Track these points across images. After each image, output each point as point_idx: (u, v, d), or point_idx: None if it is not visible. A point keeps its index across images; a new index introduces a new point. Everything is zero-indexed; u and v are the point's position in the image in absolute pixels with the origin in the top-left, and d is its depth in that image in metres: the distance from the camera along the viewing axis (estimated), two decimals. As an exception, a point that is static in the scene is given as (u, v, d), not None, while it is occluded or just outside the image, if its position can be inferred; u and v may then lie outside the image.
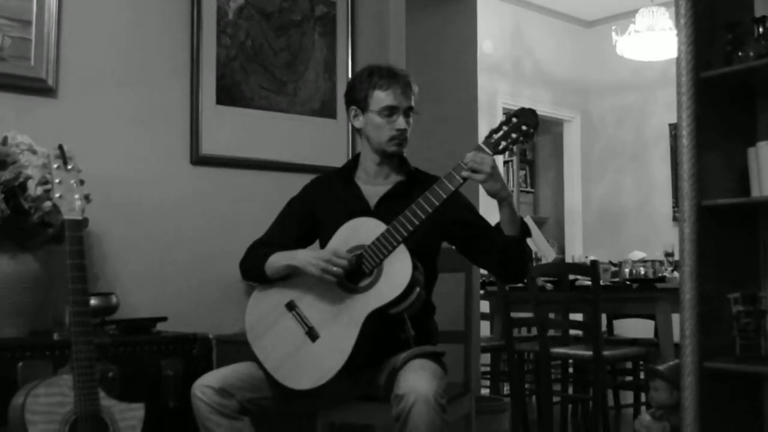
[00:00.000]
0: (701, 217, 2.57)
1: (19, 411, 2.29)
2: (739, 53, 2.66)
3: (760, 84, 2.74)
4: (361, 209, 2.73)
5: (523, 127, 2.56)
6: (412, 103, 2.77)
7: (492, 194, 2.55)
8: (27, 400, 2.29)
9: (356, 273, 2.58)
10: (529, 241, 6.37)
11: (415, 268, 2.52)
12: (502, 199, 2.57)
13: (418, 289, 2.54)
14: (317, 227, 2.84)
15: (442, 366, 2.67)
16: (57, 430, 2.30)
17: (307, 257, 2.60)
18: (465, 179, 2.51)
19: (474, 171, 2.50)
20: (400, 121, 2.73)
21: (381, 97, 2.72)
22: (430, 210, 2.52)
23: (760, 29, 2.67)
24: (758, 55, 2.61)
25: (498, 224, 2.65)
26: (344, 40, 4.16)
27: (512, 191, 9.39)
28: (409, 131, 2.77)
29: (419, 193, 2.56)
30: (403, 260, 2.53)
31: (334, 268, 2.53)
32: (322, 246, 2.74)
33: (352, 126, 2.90)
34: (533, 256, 6.09)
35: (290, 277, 2.66)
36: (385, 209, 2.68)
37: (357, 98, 2.78)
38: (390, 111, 2.72)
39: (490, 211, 2.75)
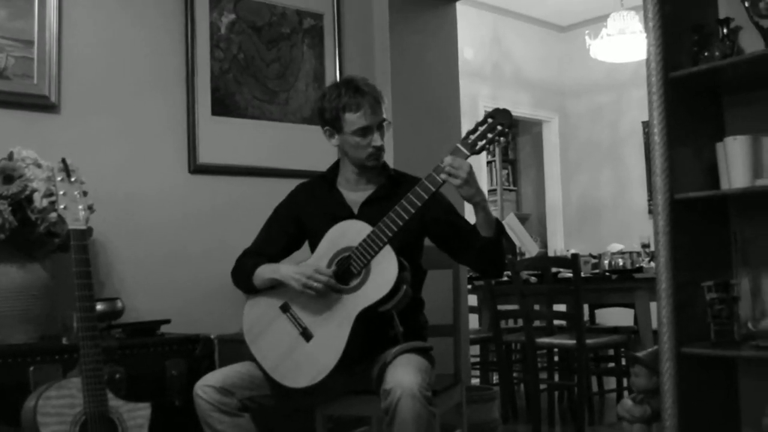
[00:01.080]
0: (674, 209, 2.58)
1: (32, 413, 2.28)
2: (706, 53, 2.67)
3: (725, 82, 2.74)
4: (346, 214, 2.73)
5: (499, 127, 2.55)
6: (384, 116, 2.73)
7: (466, 199, 2.54)
8: (39, 402, 2.29)
9: (345, 274, 2.58)
10: (513, 236, 6.41)
11: (401, 266, 2.52)
12: (476, 204, 2.56)
13: (404, 286, 2.54)
14: (304, 231, 2.84)
15: (429, 360, 2.67)
16: (68, 431, 2.29)
17: (289, 272, 2.60)
18: (444, 181, 2.51)
19: (451, 175, 2.49)
20: (376, 138, 2.70)
21: (353, 120, 2.68)
22: (412, 210, 2.52)
23: (725, 30, 2.67)
24: (723, 55, 2.62)
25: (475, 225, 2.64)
26: (332, 50, 4.16)
27: (495, 190, 9.42)
28: (384, 142, 2.74)
29: (401, 194, 2.56)
30: (389, 260, 2.53)
31: (315, 284, 2.54)
32: (312, 248, 2.74)
33: None
34: (517, 250, 6.10)
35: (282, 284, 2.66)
36: (368, 213, 2.68)
37: (328, 119, 2.74)
38: (364, 131, 2.69)
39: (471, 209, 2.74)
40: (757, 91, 2.74)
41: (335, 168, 2.89)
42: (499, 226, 2.64)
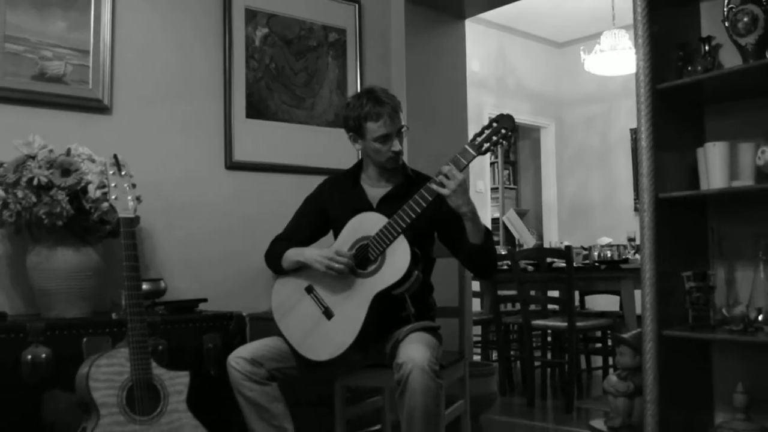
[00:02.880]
0: (658, 207, 2.56)
1: (85, 379, 2.30)
2: (689, 68, 2.65)
3: (706, 94, 2.72)
4: (366, 207, 2.73)
5: (503, 130, 2.54)
6: (402, 123, 2.71)
7: (454, 207, 2.52)
8: (91, 369, 2.30)
9: (363, 260, 2.58)
10: (512, 229, 6.39)
11: (413, 254, 2.51)
12: (463, 214, 2.53)
13: (416, 272, 2.54)
14: (329, 221, 2.84)
15: (437, 338, 2.67)
16: (116, 395, 2.31)
17: (313, 255, 2.61)
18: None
19: (442, 185, 2.47)
20: (395, 144, 2.68)
21: (374, 128, 2.66)
22: (424, 204, 2.51)
23: (706, 47, 2.66)
24: (705, 69, 2.60)
25: None
26: (353, 62, 4.15)
27: (497, 188, 9.39)
28: (403, 147, 2.73)
29: (415, 192, 2.55)
30: (403, 248, 2.52)
31: (336, 265, 2.54)
32: (335, 236, 2.74)
33: None
34: (516, 242, 6.09)
35: (306, 266, 2.66)
36: (385, 208, 2.67)
37: (352, 127, 2.73)
38: (384, 138, 2.67)
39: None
40: (734, 101, 2.72)
41: (359, 165, 2.88)
42: (487, 236, 2.61)
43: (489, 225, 7.98)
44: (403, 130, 2.72)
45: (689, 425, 2.67)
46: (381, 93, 2.71)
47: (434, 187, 2.49)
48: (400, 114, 2.71)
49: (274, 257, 2.75)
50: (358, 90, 4.06)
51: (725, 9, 2.57)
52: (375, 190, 2.80)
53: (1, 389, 2.49)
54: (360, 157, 2.90)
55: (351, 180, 2.85)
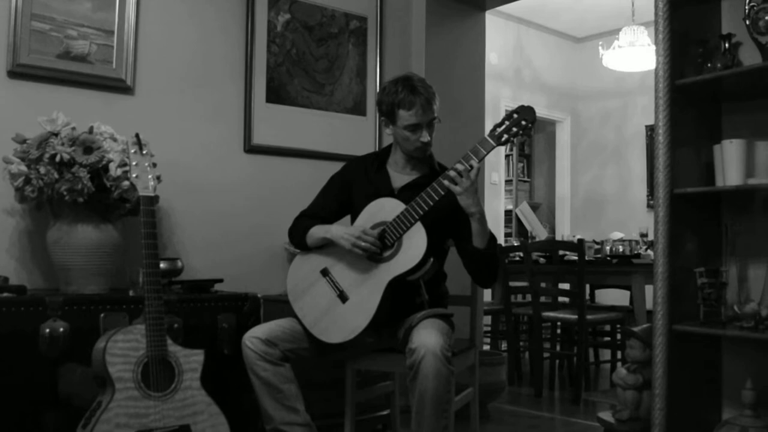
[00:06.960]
0: (673, 202, 2.55)
1: (101, 353, 2.31)
2: (708, 65, 2.63)
3: (725, 91, 2.70)
4: (387, 192, 2.71)
5: (523, 122, 2.52)
6: (434, 114, 2.66)
7: (463, 207, 2.50)
8: (108, 344, 2.32)
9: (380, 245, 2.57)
10: (525, 222, 6.37)
11: (429, 242, 2.51)
12: (471, 214, 2.51)
13: (431, 259, 2.53)
14: (351, 201, 2.83)
15: (450, 325, 2.66)
16: (132, 370, 2.32)
17: (340, 232, 2.59)
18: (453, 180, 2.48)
19: (454, 182, 2.46)
20: (424, 135, 2.65)
21: (405, 116, 2.63)
22: (436, 198, 2.49)
23: (726, 44, 2.64)
24: (724, 66, 2.58)
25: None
26: (374, 50, 4.15)
27: (511, 180, 9.36)
28: (432, 138, 2.69)
29: None
30: (420, 235, 2.51)
31: (362, 243, 2.53)
32: (353, 218, 2.73)
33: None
34: (529, 235, 6.08)
35: (325, 247, 2.66)
36: (406, 196, 2.64)
37: (385, 112, 2.70)
38: (414, 128, 2.64)
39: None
40: (753, 99, 2.70)
41: (388, 150, 2.86)
42: (491, 242, 2.59)
43: (502, 217, 7.97)
44: (435, 121, 2.69)
45: (697, 420, 2.67)
46: (417, 82, 2.67)
47: (446, 183, 2.48)
48: (434, 105, 2.66)
49: (298, 233, 2.74)
50: (378, 78, 4.06)
51: (746, 7, 2.54)
52: (400, 176, 2.78)
53: (20, 361, 2.52)
54: (381, 143, 2.89)
55: (378, 163, 2.83)
